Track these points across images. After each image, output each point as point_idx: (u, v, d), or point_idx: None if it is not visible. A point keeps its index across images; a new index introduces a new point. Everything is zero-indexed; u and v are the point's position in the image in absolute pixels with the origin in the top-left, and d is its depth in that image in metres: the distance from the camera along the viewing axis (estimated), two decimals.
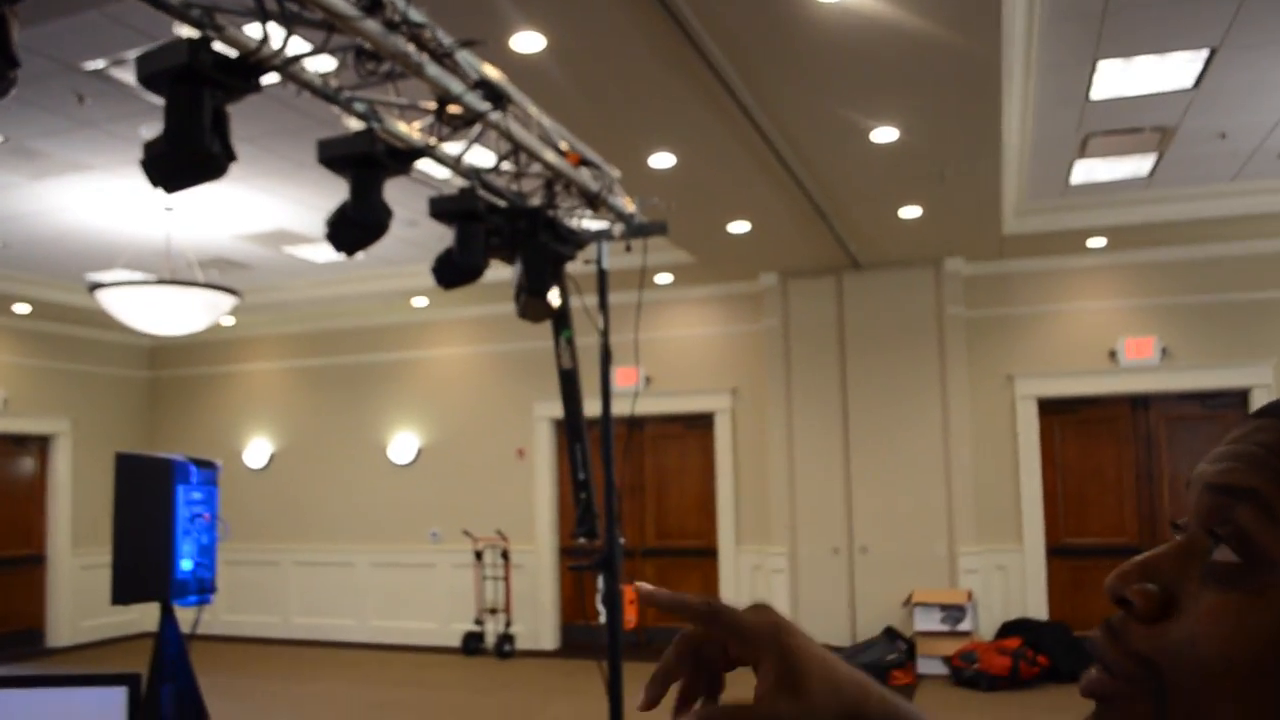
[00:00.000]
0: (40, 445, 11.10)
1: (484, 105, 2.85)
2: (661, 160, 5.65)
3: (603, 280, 3.62)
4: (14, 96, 5.31)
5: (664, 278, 8.89)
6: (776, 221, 7.22)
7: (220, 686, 8.00)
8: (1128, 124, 6.03)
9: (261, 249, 8.58)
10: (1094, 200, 7.59)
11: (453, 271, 3.05)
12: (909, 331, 8.77)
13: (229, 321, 10.95)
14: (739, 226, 7.34)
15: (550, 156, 3.27)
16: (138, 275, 7.31)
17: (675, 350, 9.54)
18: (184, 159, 2.34)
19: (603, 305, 3.75)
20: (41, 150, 6.07)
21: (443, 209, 3.04)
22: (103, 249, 8.20)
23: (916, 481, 8.59)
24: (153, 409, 12.22)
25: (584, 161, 3.49)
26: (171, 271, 7.66)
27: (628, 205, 3.85)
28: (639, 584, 0.71)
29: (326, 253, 8.79)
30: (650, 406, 9.23)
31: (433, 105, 2.81)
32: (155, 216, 7.42)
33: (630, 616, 3.77)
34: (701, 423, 9.72)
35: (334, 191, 5.77)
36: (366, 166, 2.57)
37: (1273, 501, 0.52)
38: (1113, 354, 8.63)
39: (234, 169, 6.64)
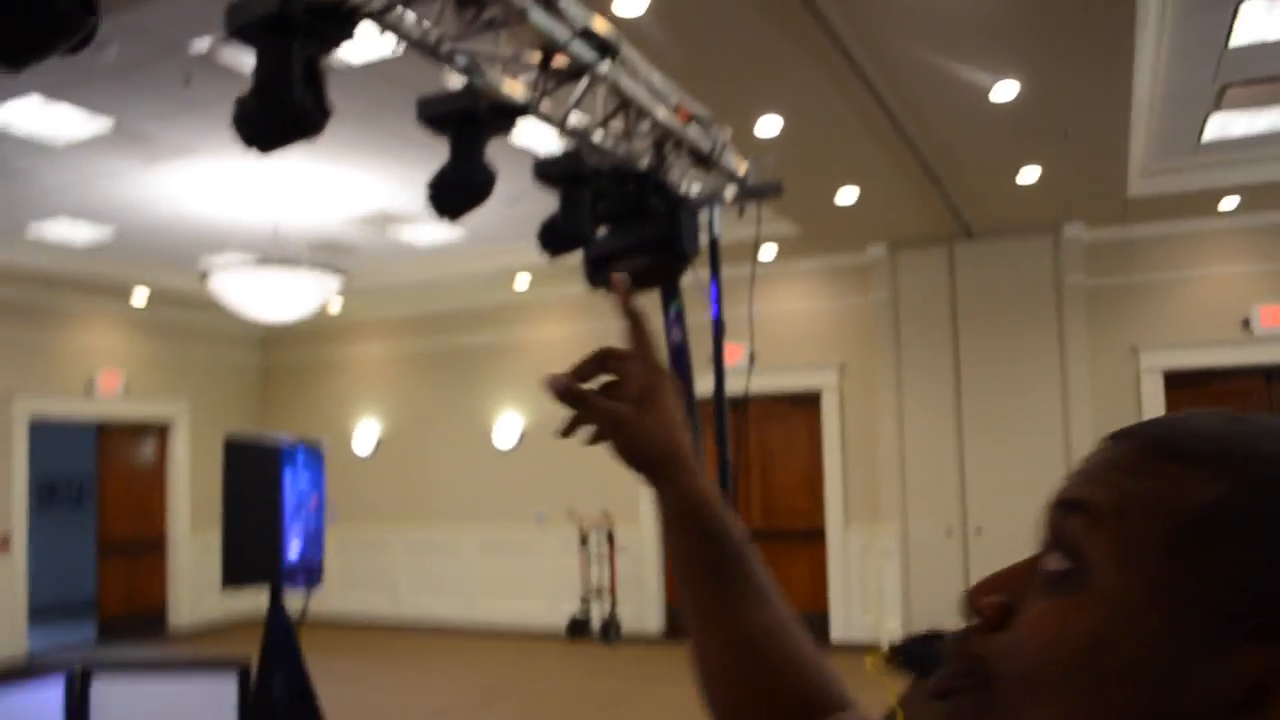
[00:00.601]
0: (160, 430, 11.41)
1: (591, 55, 2.70)
2: (769, 126, 5.45)
3: (714, 249, 3.44)
4: (122, 79, 5.39)
5: (768, 251, 8.66)
6: (886, 189, 6.95)
7: (331, 670, 8.10)
8: (1270, 72, 5.61)
9: (367, 231, 8.63)
10: (1228, 158, 7.13)
11: (558, 238, 2.92)
12: (1025, 303, 8.39)
13: (336, 307, 11.09)
14: (847, 195, 7.09)
15: (661, 112, 3.10)
16: (248, 258, 7.39)
17: (780, 326, 9.30)
18: (276, 115, 2.19)
19: (715, 274, 3.57)
20: (151, 134, 6.15)
21: (547, 172, 2.90)
22: (214, 234, 8.34)
23: (1035, 460, 8.22)
24: (266, 394, 12.48)
25: (694, 118, 3.31)
26: (281, 256, 7.75)
27: (739, 167, 3.66)
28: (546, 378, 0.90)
29: (431, 233, 8.80)
30: (755, 384, 8.95)
31: (537, 57, 2.66)
32: (263, 200, 7.50)
33: None
34: (808, 400, 9.49)
35: (437, 168, 5.70)
36: (468, 125, 2.45)
37: (1099, 510, 0.56)
38: (1246, 323, 8.13)
39: (336, 148, 6.67)
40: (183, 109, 5.76)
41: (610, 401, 0.92)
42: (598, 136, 3.06)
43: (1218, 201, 7.70)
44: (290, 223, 7.99)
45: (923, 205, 7.39)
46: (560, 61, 2.67)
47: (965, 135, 5.92)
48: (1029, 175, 6.72)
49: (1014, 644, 0.56)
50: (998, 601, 0.58)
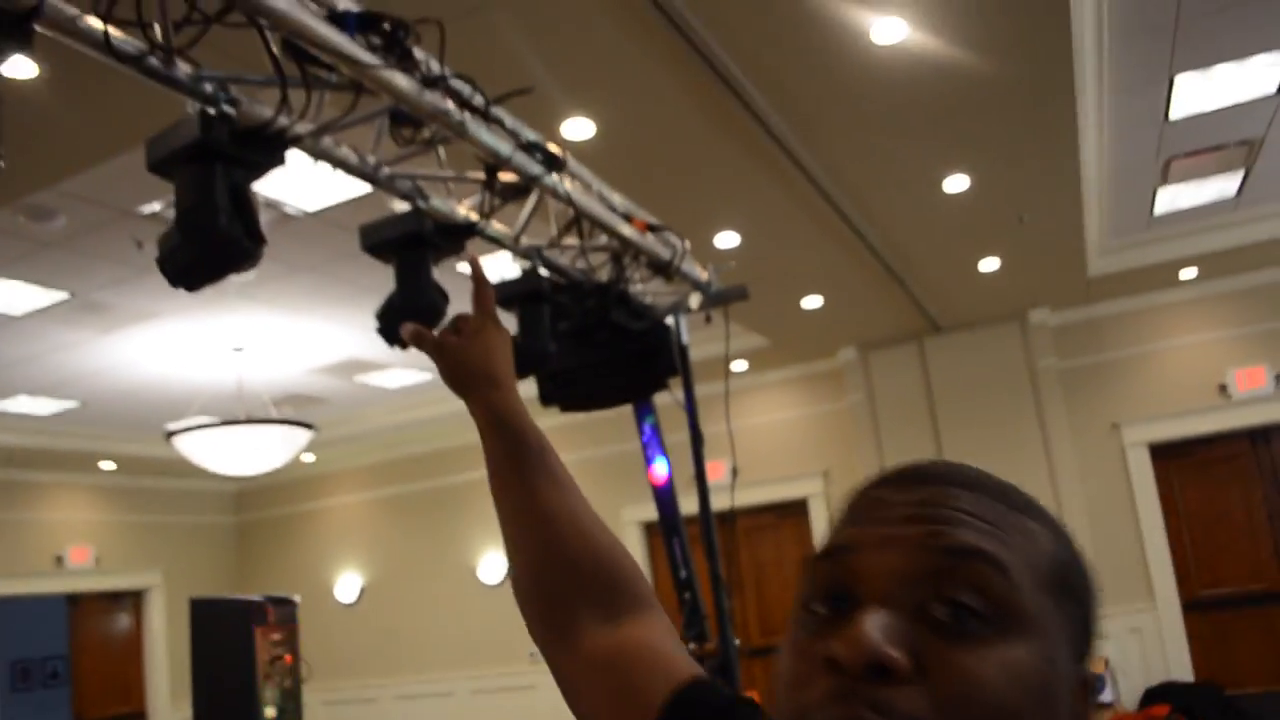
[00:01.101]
0: (134, 600, 11.07)
1: (538, 168, 2.66)
2: (726, 240, 5.46)
3: (684, 358, 3.36)
4: (73, 250, 5.34)
5: (739, 365, 8.64)
6: (850, 291, 6.96)
7: None
8: (1211, 142, 5.71)
9: (334, 380, 8.54)
10: (1181, 229, 7.22)
11: (520, 360, 2.83)
12: (1001, 391, 8.36)
13: (309, 458, 10.92)
14: (812, 301, 7.10)
15: (617, 223, 3.05)
16: (213, 419, 7.27)
17: (759, 438, 9.21)
18: (202, 248, 2.12)
19: (687, 386, 3.49)
20: (107, 303, 6.08)
21: (506, 294, 2.83)
22: (177, 397, 8.21)
23: None
24: (242, 553, 12.19)
25: (650, 228, 3.28)
26: (246, 412, 7.63)
27: (701, 273, 3.62)
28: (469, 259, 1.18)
29: (399, 378, 8.73)
30: (740, 498, 8.80)
31: (481, 175, 2.62)
32: (225, 359, 7.42)
33: None
34: (795, 510, 9.34)
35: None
36: (414, 248, 2.39)
37: (999, 559, 0.57)
38: (1223, 388, 8.12)
39: (299, 299, 6.63)
40: (138, 274, 5.70)
41: (440, 334, 1.16)
42: (552, 254, 3.02)
43: (1177, 272, 7.77)
44: (255, 378, 7.89)
45: (888, 305, 7.40)
46: (507, 176, 2.63)
47: (921, 232, 5.96)
48: (989, 264, 6.76)
49: (961, 697, 0.54)
50: (902, 653, 0.55)
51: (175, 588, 11.05)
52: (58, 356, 7.01)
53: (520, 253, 2.92)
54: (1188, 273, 7.80)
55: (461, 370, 1.13)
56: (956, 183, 5.20)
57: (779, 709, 0.60)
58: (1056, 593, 0.60)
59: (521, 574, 1.04)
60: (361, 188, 4.80)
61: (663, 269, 3.33)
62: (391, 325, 2.43)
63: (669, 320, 3.40)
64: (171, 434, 7.20)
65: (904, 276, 6.69)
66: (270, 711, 3.72)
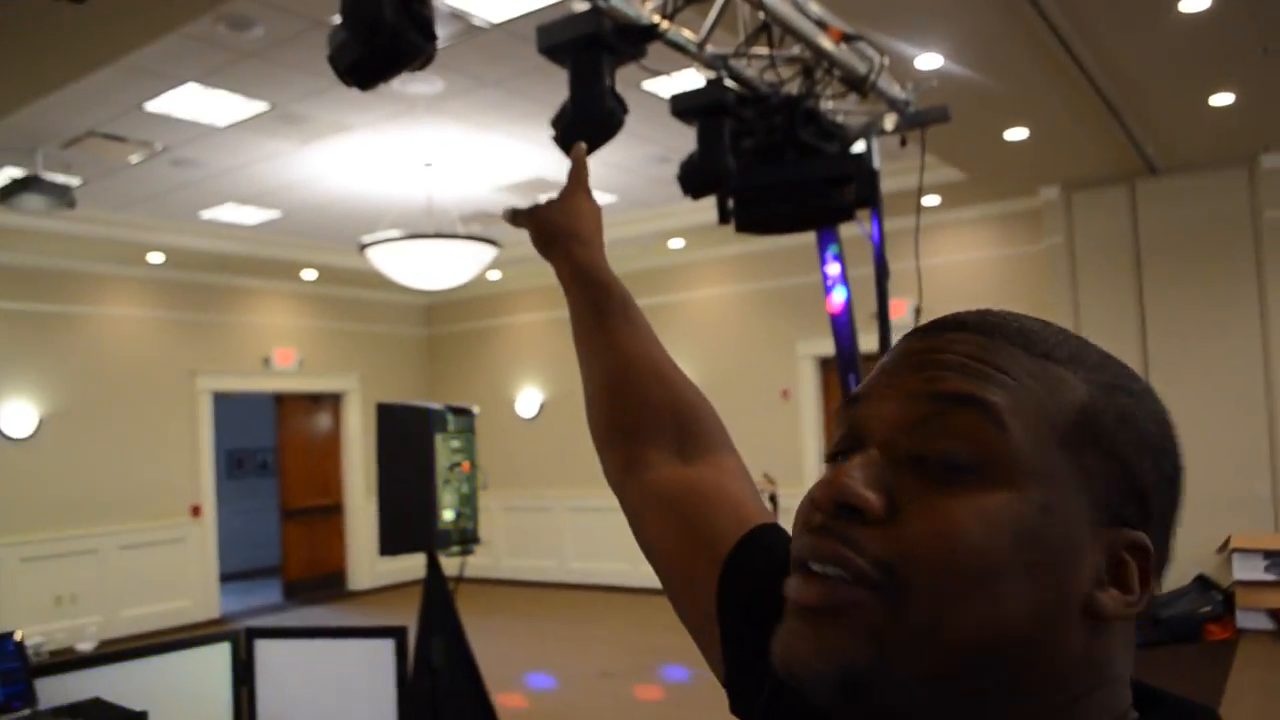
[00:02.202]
0: (334, 402, 11.84)
1: None
2: (928, 61, 5.09)
3: (874, 182, 3.16)
4: (271, 60, 5.46)
5: (930, 199, 8.24)
6: (1060, 123, 6.45)
7: (496, 630, 8.24)
8: None
9: (521, 199, 8.62)
10: None
11: (698, 178, 2.72)
12: (1219, 244, 7.71)
13: (495, 275, 11.21)
14: (1016, 133, 6.62)
15: (810, 30, 2.83)
16: (403, 232, 7.49)
17: (946, 278, 8.85)
18: (367, 42, 2.14)
19: (875, 210, 3.30)
20: (305, 114, 6.24)
21: (686, 105, 2.69)
22: (371, 211, 8.49)
23: (1231, 412, 7.56)
24: (431, 364, 12.79)
25: (846, 37, 3.04)
26: (435, 228, 7.82)
27: (899, 91, 3.37)
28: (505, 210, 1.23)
29: None
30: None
31: None
32: (416, 174, 7.57)
33: None
34: None
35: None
36: (591, 50, 2.28)
37: (997, 406, 0.56)
38: None
39: (484, 116, 6.63)
40: (333, 85, 5.79)
41: (531, 206, 1.19)
42: (739, 64, 2.84)
43: None
44: (444, 194, 8.05)
45: (1101, 140, 6.85)
46: None
47: (1149, 57, 5.41)
48: (1222, 99, 6.11)
49: (932, 540, 0.54)
50: (876, 495, 0.55)
51: (370, 392, 11.73)
52: (260, 167, 7.31)
53: (704, 61, 2.76)
54: None
55: (548, 228, 1.17)
56: (1196, 1, 4.66)
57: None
58: (1076, 444, 0.57)
59: (596, 411, 1.06)
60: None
61: (857, 85, 3.09)
62: (568, 133, 2.35)
63: (860, 144, 3.18)
64: (364, 246, 7.48)
65: (1121, 109, 6.14)
66: (448, 514, 3.90)
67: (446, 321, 12.73)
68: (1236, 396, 7.56)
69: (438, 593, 3.88)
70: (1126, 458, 0.58)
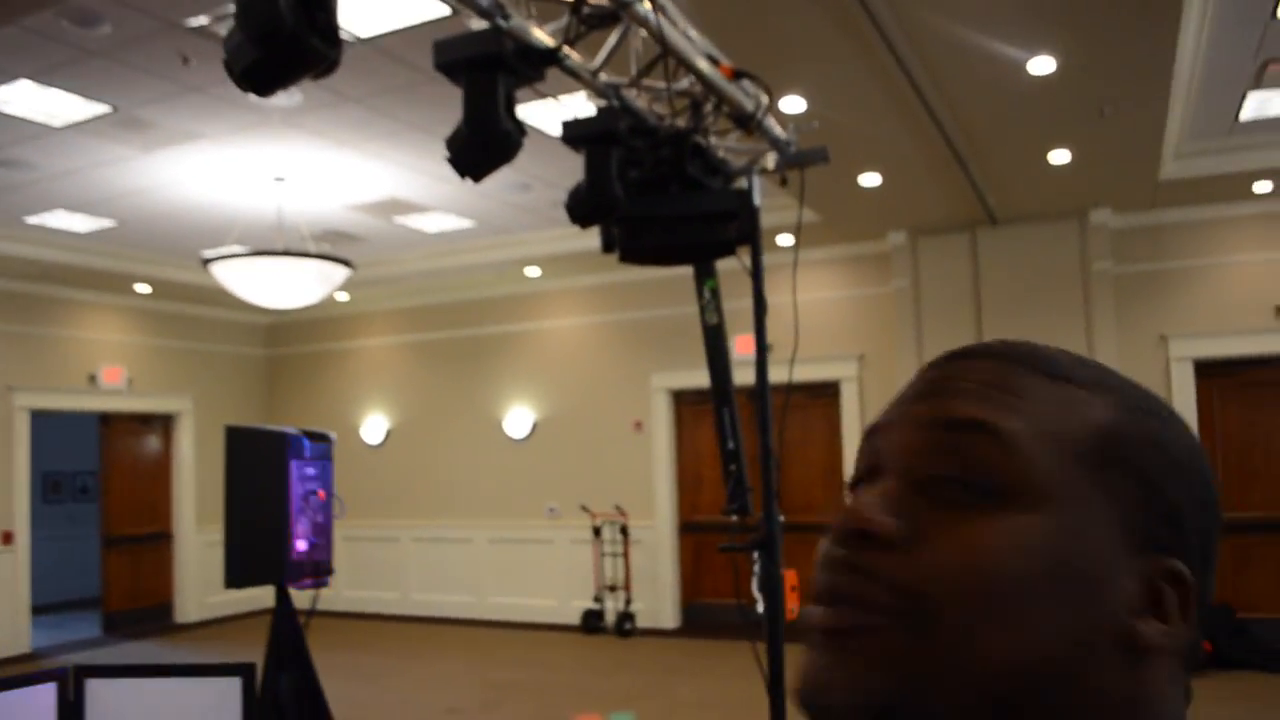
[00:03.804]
0: (164, 423, 11.25)
1: None
2: (792, 104, 5.22)
3: (754, 219, 3.20)
4: (117, 60, 5.17)
5: (784, 239, 8.44)
6: (911, 173, 6.71)
7: (339, 664, 7.92)
8: None
9: (373, 219, 8.42)
10: (1265, 139, 6.88)
11: (586, 206, 2.69)
12: (1051, 290, 8.14)
13: (343, 297, 10.90)
14: (870, 179, 6.86)
15: (703, 65, 2.85)
16: (250, 248, 7.19)
17: (798, 316, 9.04)
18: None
19: (754, 250, 3.33)
20: (150, 120, 5.93)
21: (578, 132, 2.67)
22: (216, 224, 8.13)
23: None
24: (271, 386, 12.31)
25: (738, 74, 3.07)
26: (284, 245, 7.55)
27: (781, 131, 3.43)
28: None
29: (439, 222, 8.59)
30: (770, 375, 8.80)
31: None
32: (266, 188, 7.30)
33: (791, 604, 3.37)
34: (826, 391, 9.27)
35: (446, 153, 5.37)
36: (492, 71, 2.23)
37: (1010, 431, 0.55)
38: (1278, 310, 7.89)
39: (342, 132, 6.45)
40: (183, 91, 5.54)
41: None
42: (629, 95, 2.83)
43: (1251, 185, 7.45)
44: (295, 210, 7.78)
45: (947, 190, 7.15)
46: (595, 0, 2.43)
47: (996, 114, 5.68)
48: (1060, 157, 6.47)
49: (958, 562, 0.52)
50: (894, 519, 0.55)
51: (204, 414, 11.20)
52: (97, 173, 6.91)
53: (598, 89, 2.74)
54: (1262, 186, 7.48)
55: None
56: (1042, 64, 4.91)
57: None
58: (1098, 466, 0.56)
59: None
60: (418, 14, 4.59)
61: (744, 121, 3.13)
62: (464, 154, 2.28)
63: (743, 181, 3.22)
64: (208, 261, 7.15)
65: (969, 161, 6.43)
66: (301, 544, 3.72)
67: (288, 343, 12.29)
68: None
69: (287, 628, 3.68)
70: (1154, 480, 0.57)
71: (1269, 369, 8.06)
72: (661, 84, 2.76)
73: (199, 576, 10.98)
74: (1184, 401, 8.07)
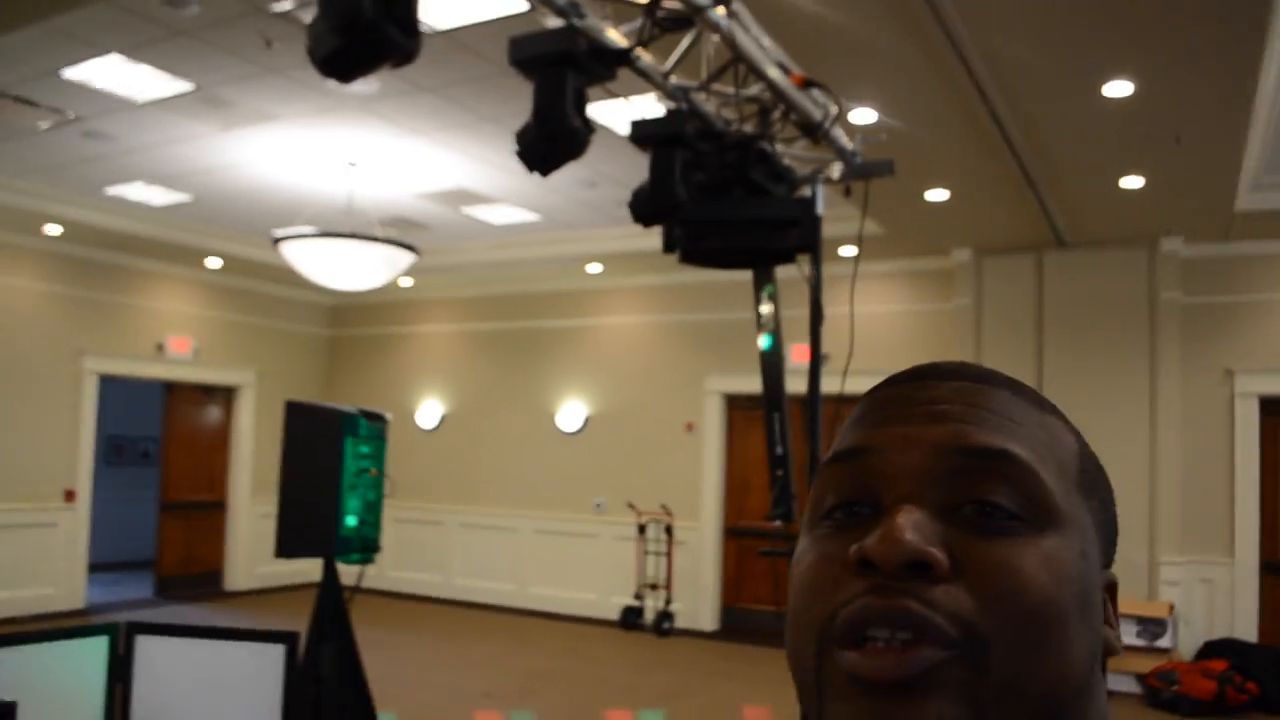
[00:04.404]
0: (226, 396, 11.49)
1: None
2: (862, 116, 5.21)
3: (816, 228, 3.21)
4: (202, 40, 5.31)
5: (847, 250, 8.41)
6: (979, 190, 6.66)
7: (380, 641, 8.05)
8: None
9: (441, 208, 8.54)
10: None
11: (650, 206, 2.73)
12: (1116, 317, 8.02)
13: (406, 282, 11.06)
14: (937, 194, 6.81)
15: (774, 73, 2.88)
16: (320, 229, 7.33)
17: (856, 328, 9.00)
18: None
19: (815, 257, 3.34)
20: (229, 99, 6.08)
21: (646, 133, 2.71)
22: (288, 204, 8.31)
23: (1117, 481, 7.46)
24: (332, 366, 12.53)
25: (808, 83, 3.09)
26: (353, 228, 7.69)
27: (848, 142, 3.44)
28: None
29: (505, 214, 8.69)
30: (826, 386, 8.77)
31: None
32: (339, 172, 7.44)
33: None
34: None
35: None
36: (563, 68, 2.27)
37: (1024, 459, 0.56)
38: None
39: (415, 121, 6.56)
40: (263, 73, 5.68)
41: None
42: (698, 98, 2.87)
43: None
44: (365, 195, 7.92)
45: (1015, 210, 7.08)
46: (670, 3, 2.47)
47: (1069, 136, 5.62)
48: (1132, 183, 6.38)
49: (1006, 589, 0.53)
50: (941, 550, 0.54)
51: (266, 389, 11.43)
52: (176, 148, 7.09)
53: (668, 91, 2.78)
54: None
55: None
56: (1119, 88, 4.85)
57: (797, 617, 0.58)
58: (1084, 490, 0.60)
59: None
60: (495, 9, 4.66)
61: (811, 130, 3.15)
62: (533, 148, 2.33)
63: (807, 190, 3.23)
64: (278, 240, 7.31)
65: (1039, 181, 6.36)
66: (351, 520, 3.80)
67: (351, 324, 12.49)
68: (1122, 469, 7.84)
69: (332, 600, 3.77)
70: (1108, 502, 0.63)
71: None
72: (731, 89, 2.78)
73: (250, 547, 11.21)
74: (1247, 437, 7.90)
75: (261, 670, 3.04)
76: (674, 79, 2.80)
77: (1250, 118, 5.22)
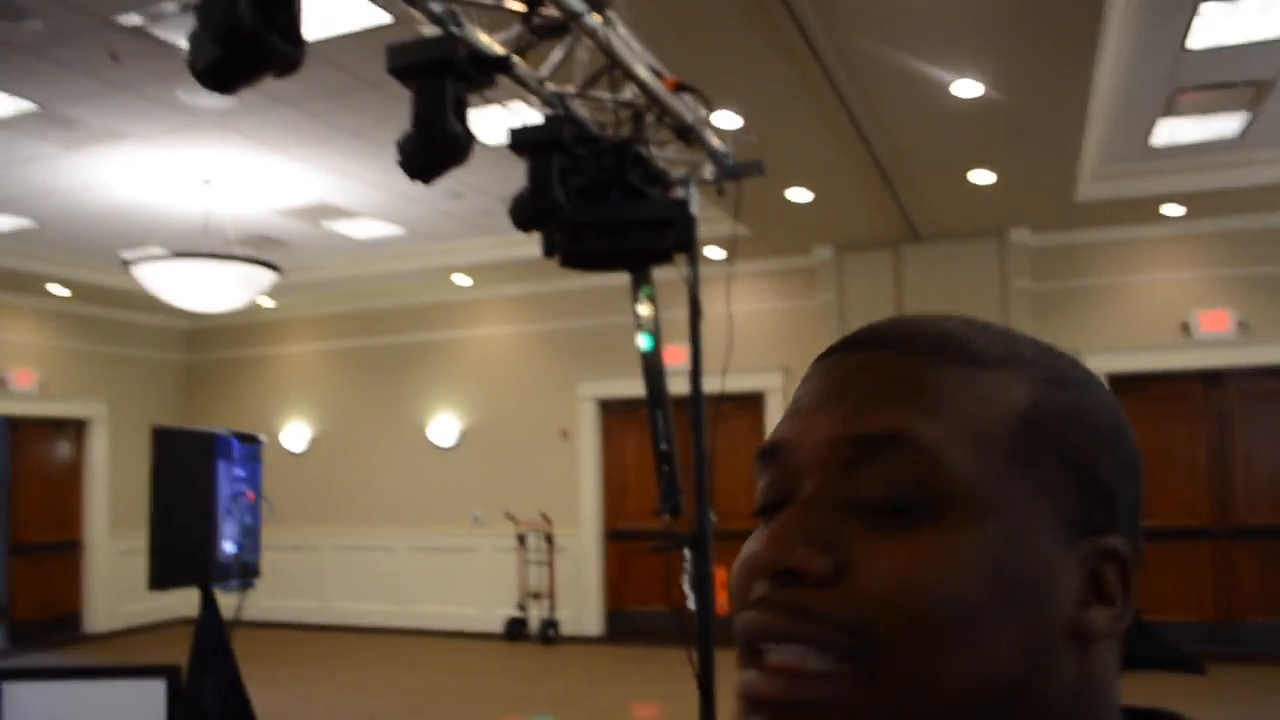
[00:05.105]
0: (77, 429, 10.95)
1: (581, 5, 2.53)
2: (726, 120, 5.31)
3: (691, 228, 3.27)
4: (45, 56, 5.07)
5: (714, 251, 8.55)
6: (838, 189, 6.86)
7: (261, 674, 7.77)
8: (1222, 78, 5.63)
9: (301, 225, 8.33)
10: (1175, 164, 7.18)
11: (529, 212, 2.73)
12: (971, 306, 8.36)
13: (268, 302, 10.75)
14: (799, 195, 6.99)
15: (646, 76, 2.92)
16: (174, 251, 7.06)
17: (723, 327, 9.15)
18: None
19: (691, 257, 3.41)
20: (75, 117, 5.82)
21: (522, 139, 2.71)
22: (140, 226, 7.97)
23: None
24: (190, 392, 12.06)
25: (680, 87, 3.15)
26: (209, 248, 7.43)
27: (719, 144, 3.51)
28: None
29: (368, 228, 8.53)
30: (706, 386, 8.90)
31: (521, 5, 2.47)
32: (194, 191, 7.18)
33: (722, 599, 3.44)
34: (751, 402, 9.39)
35: (378, 160, 5.43)
36: (443, 76, 2.26)
37: (926, 438, 0.51)
38: (1185, 327, 8.23)
39: (273, 136, 6.39)
40: (111, 89, 5.45)
41: None
42: (574, 105, 2.89)
43: (1160, 208, 7.76)
44: (221, 213, 7.67)
45: (873, 207, 7.33)
46: (547, 11, 2.48)
47: (922, 134, 5.85)
48: (982, 177, 6.68)
49: (895, 590, 0.48)
50: (820, 552, 0.50)
51: (120, 420, 10.94)
52: (17, 170, 6.73)
53: (544, 98, 2.79)
54: (1171, 209, 7.79)
55: None
56: (967, 87, 5.08)
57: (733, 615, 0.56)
58: (1027, 456, 0.52)
59: None
60: (357, 20, 4.59)
61: (684, 132, 3.21)
62: (414, 157, 2.31)
63: (681, 191, 3.29)
64: (130, 263, 7.01)
65: (895, 179, 6.60)
66: (229, 546, 3.68)
67: (210, 348, 12.06)
68: None
69: (212, 630, 3.64)
70: (1082, 458, 0.53)
71: (1175, 382, 8.39)
72: (606, 95, 2.82)
73: (111, 585, 10.71)
74: None
75: (142, 708, 2.92)
76: (550, 85, 2.82)
77: (1086, 114, 5.52)
